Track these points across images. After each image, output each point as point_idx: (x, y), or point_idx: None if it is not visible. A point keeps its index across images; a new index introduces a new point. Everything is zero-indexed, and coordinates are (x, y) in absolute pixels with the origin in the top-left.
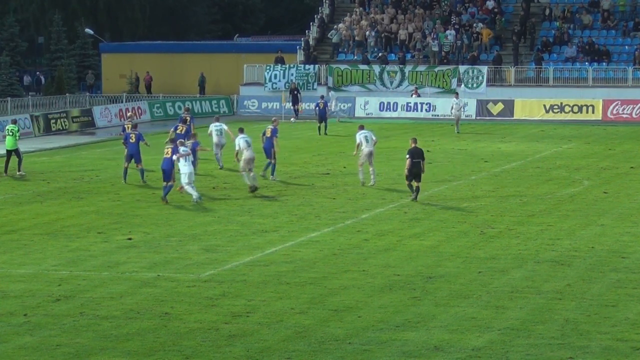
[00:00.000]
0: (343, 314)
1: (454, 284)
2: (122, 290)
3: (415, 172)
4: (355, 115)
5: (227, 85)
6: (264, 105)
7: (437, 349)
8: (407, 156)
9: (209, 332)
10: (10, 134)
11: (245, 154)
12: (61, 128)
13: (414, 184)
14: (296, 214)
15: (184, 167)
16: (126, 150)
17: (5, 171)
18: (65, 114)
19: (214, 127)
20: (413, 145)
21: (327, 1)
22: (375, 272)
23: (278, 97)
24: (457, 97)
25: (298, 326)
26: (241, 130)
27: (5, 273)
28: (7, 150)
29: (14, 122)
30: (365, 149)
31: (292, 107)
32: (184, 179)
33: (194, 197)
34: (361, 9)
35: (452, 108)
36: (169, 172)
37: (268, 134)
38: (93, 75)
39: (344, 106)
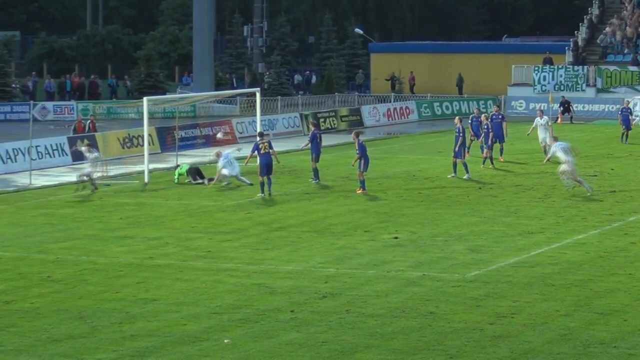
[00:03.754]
0: (609, 317)
1: None
2: (387, 289)
3: None
4: None
5: (494, 86)
6: (531, 106)
7: None
8: None
9: (474, 332)
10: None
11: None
12: (330, 127)
13: None
14: (562, 215)
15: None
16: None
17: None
18: (334, 113)
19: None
20: None
21: (596, 1)
22: None
23: (546, 98)
24: None
25: (563, 328)
26: (555, 139)
27: (273, 269)
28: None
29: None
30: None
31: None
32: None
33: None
34: (632, 9)
35: None
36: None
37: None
38: (362, 75)
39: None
